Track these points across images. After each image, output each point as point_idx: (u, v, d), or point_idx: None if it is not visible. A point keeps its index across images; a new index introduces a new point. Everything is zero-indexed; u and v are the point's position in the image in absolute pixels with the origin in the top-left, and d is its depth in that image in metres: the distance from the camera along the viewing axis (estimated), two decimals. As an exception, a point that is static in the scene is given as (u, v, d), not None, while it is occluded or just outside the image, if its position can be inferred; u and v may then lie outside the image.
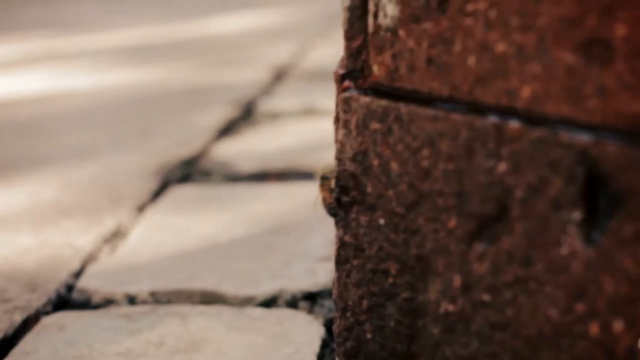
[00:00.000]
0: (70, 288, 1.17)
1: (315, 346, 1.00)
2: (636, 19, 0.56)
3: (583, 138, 0.59)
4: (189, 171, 1.63)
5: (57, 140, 1.86)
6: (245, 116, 2.01)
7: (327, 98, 2.05)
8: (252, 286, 1.15)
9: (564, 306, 0.62)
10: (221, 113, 2.01)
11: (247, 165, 1.64)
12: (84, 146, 1.80)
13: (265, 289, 1.14)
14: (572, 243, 0.61)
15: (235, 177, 1.60)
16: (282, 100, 2.15)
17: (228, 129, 1.90)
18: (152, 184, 1.55)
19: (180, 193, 1.52)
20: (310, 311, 1.09)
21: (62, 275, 1.20)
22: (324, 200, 0.76)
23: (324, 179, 0.76)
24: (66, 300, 1.15)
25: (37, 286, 1.17)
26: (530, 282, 0.64)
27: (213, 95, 2.18)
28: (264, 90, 2.21)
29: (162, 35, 2.97)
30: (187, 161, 1.67)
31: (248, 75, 2.36)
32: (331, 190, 0.75)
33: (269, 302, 1.12)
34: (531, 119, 0.62)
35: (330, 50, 2.57)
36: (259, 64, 2.45)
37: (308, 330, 1.04)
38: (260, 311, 1.10)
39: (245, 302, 1.13)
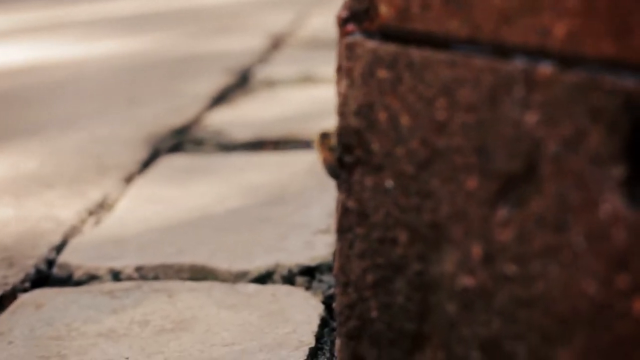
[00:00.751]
0: (50, 263, 1.09)
1: (313, 325, 0.92)
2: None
3: (629, 82, 0.51)
4: (180, 140, 1.54)
5: (42, 110, 1.77)
6: (240, 84, 1.92)
7: (325, 66, 1.96)
8: (246, 260, 1.07)
9: (603, 279, 0.53)
10: (215, 81, 1.92)
11: (242, 134, 1.55)
12: (70, 116, 1.71)
13: (259, 264, 1.06)
14: (614, 205, 0.52)
15: (229, 146, 1.51)
16: (279, 68, 2.06)
17: (222, 97, 1.81)
18: (141, 154, 1.46)
19: (170, 163, 1.44)
20: (308, 287, 1.01)
21: (42, 250, 1.12)
22: (324, 160, 0.67)
23: (324, 136, 0.67)
24: (46, 276, 1.07)
25: (14, 261, 1.09)
26: (564, 251, 0.55)
27: (208, 63, 2.09)
28: (260, 58, 2.13)
29: (156, 4, 2.88)
30: (178, 130, 1.59)
31: (244, 43, 2.27)
32: (332, 149, 0.67)
33: (264, 278, 1.04)
34: (567, 60, 0.53)
35: (328, 18, 2.49)
36: (256, 32, 2.36)
37: (306, 308, 0.96)
38: (254, 287, 1.02)
39: (238, 277, 1.05)
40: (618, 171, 0.52)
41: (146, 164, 1.43)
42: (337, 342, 0.70)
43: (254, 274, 1.05)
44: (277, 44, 2.32)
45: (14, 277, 1.05)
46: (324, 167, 0.68)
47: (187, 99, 1.78)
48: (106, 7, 2.90)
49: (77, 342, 0.91)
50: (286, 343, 0.89)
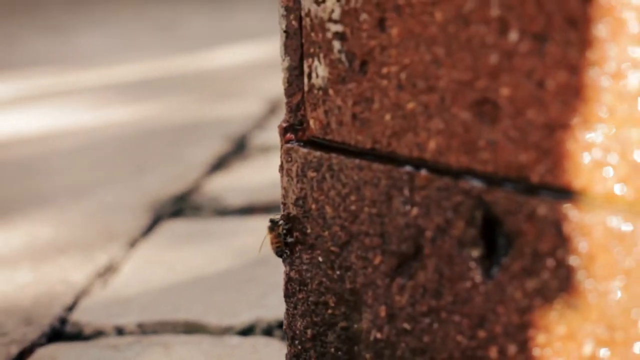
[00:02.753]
0: (63, 321, 1.26)
1: (284, 371, 1.08)
2: (517, 82, 0.65)
3: (479, 185, 0.68)
4: (180, 206, 1.72)
5: (53, 179, 1.96)
6: (237, 150, 2.10)
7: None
8: (232, 316, 1.24)
9: (469, 333, 0.70)
10: (214, 148, 2.10)
11: (236, 200, 1.73)
12: (80, 184, 1.89)
13: (243, 319, 1.23)
14: (474, 277, 0.70)
15: (224, 212, 1.68)
16: (274, 133, 2.23)
17: (220, 164, 1.99)
18: (144, 220, 1.64)
19: (171, 228, 1.61)
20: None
21: (56, 310, 1.29)
22: (271, 242, 0.84)
23: (273, 222, 0.85)
24: (60, 332, 1.24)
25: (32, 320, 1.26)
26: (441, 312, 0.72)
27: (207, 130, 2.27)
28: (257, 124, 2.30)
29: (159, 70, 3.06)
30: (179, 197, 1.76)
31: (242, 109, 2.45)
32: (279, 235, 0.84)
33: (247, 331, 1.21)
34: (437, 168, 0.71)
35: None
36: (254, 97, 2.54)
37: (279, 356, 1.13)
38: (237, 339, 1.19)
39: (225, 331, 1.22)
40: (476, 252, 0.70)
41: (149, 228, 1.61)
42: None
43: (239, 327, 1.22)
44: (273, 109, 2.50)
45: (32, 334, 1.22)
46: (272, 248, 0.86)
47: (187, 166, 1.96)
48: (114, 72, 3.09)
49: (85, 389, 1.08)
50: (261, 386, 1.06)
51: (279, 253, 0.84)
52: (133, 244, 1.54)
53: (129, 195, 1.79)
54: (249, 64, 3.09)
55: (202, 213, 1.69)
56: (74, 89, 2.87)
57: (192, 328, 1.23)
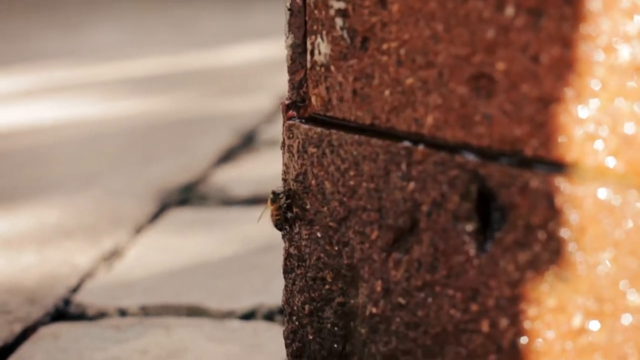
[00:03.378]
0: (67, 302, 1.28)
1: (284, 354, 1.09)
2: (512, 57, 0.66)
3: (474, 159, 0.69)
4: (187, 196, 1.73)
5: (62, 167, 1.97)
6: (245, 144, 2.11)
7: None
8: (234, 301, 1.25)
9: (462, 306, 0.71)
10: (222, 141, 2.11)
11: (243, 190, 1.74)
12: (88, 173, 1.91)
13: (245, 304, 1.24)
14: (468, 251, 0.71)
15: (230, 201, 1.70)
16: (283, 128, 2.25)
17: (228, 157, 2.00)
18: (151, 208, 1.66)
19: (177, 216, 1.63)
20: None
21: (60, 291, 1.30)
22: (272, 214, 0.85)
23: (275, 194, 0.86)
24: (63, 313, 1.25)
25: (36, 300, 1.27)
26: (436, 286, 0.73)
27: (217, 123, 2.29)
28: (266, 119, 2.32)
29: (173, 65, 3.08)
30: (186, 186, 1.78)
31: (252, 104, 2.46)
32: (279, 207, 0.85)
33: (248, 316, 1.22)
34: (434, 143, 0.72)
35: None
36: (264, 93, 2.55)
37: (279, 339, 1.13)
38: (238, 323, 1.20)
39: (226, 315, 1.23)
40: (471, 226, 0.70)
41: (155, 216, 1.62)
42: (285, 361, 0.88)
43: (240, 312, 1.23)
44: (283, 105, 2.51)
45: (35, 313, 1.23)
46: (272, 220, 0.87)
47: (196, 158, 1.98)
48: (126, 67, 3.11)
49: (87, 366, 1.09)
50: (260, 368, 1.07)
51: (279, 226, 0.85)
52: (139, 230, 1.55)
53: (137, 183, 1.80)
54: (261, 62, 3.11)
55: (208, 202, 1.70)
56: (85, 83, 2.89)
57: (194, 312, 1.24)
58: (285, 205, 0.84)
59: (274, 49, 3.20)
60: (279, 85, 2.75)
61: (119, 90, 2.77)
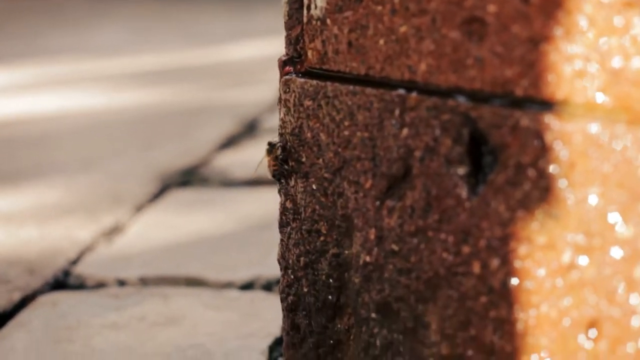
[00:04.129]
0: (66, 273, 1.29)
1: (280, 321, 1.10)
2: (504, -1, 0.67)
3: (466, 103, 0.70)
4: (188, 178, 1.74)
5: (65, 152, 1.99)
6: (247, 131, 2.12)
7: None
8: (233, 273, 1.27)
9: (453, 250, 0.72)
10: (224, 128, 2.12)
11: (244, 173, 1.75)
12: (90, 157, 1.92)
13: (243, 275, 1.25)
14: (460, 194, 0.71)
15: (230, 183, 1.71)
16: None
17: (230, 143, 2.01)
18: (152, 188, 1.67)
19: (178, 196, 1.64)
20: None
21: (60, 263, 1.31)
22: (269, 164, 0.86)
23: (271, 145, 0.87)
24: (63, 283, 1.26)
25: (36, 271, 1.29)
26: (428, 231, 0.74)
27: (219, 113, 2.30)
28: (268, 109, 2.33)
29: (176, 62, 3.10)
30: (187, 170, 1.79)
31: (254, 96, 2.47)
32: (276, 157, 0.86)
33: (246, 286, 1.23)
34: (427, 89, 0.73)
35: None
36: (267, 86, 2.56)
37: (276, 308, 1.14)
38: (236, 293, 1.21)
39: (224, 286, 1.24)
40: (462, 169, 0.71)
41: (156, 196, 1.63)
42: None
43: (238, 283, 1.24)
44: (285, 96, 2.52)
45: (34, 283, 1.25)
46: (269, 170, 0.88)
47: (197, 144, 1.99)
48: (130, 62, 3.13)
49: (85, 331, 1.10)
50: (257, 334, 1.08)
51: (276, 175, 0.86)
52: (139, 208, 1.57)
53: (138, 166, 1.82)
54: (262, 58, 3.12)
55: (209, 184, 1.71)
56: (90, 76, 2.90)
57: (192, 283, 1.25)
58: (281, 157, 0.85)
59: (274, 47, 3.21)
60: (281, 79, 2.76)
61: (123, 83, 2.78)
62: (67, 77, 2.90)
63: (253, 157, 1.88)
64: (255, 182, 1.70)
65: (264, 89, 2.57)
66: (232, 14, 4.63)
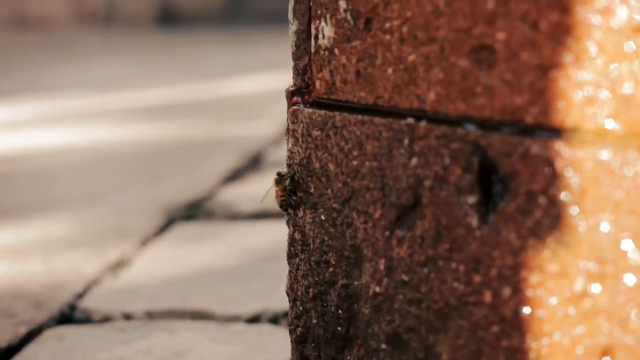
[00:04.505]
0: (73, 307, 1.28)
1: (288, 354, 1.09)
2: (512, 26, 0.67)
3: (475, 131, 0.70)
4: (193, 212, 1.74)
5: (70, 186, 1.99)
6: (252, 166, 2.12)
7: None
8: (239, 306, 1.26)
9: (465, 279, 0.72)
10: (229, 163, 2.12)
11: (249, 207, 1.75)
12: (95, 191, 1.92)
13: (250, 309, 1.25)
14: (470, 224, 0.71)
15: (236, 217, 1.70)
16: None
17: (234, 177, 2.01)
18: (157, 222, 1.66)
19: (183, 230, 1.63)
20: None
21: (66, 296, 1.31)
22: (277, 195, 0.86)
23: (280, 175, 0.86)
24: (69, 318, 1.26)
25: (42, 305, 1.28)
26: (439, 261, 0.73)
27: (224, 147, 2.30)
28: (272, 142, 2.33)
29: (181, 96, 3.11)
30: (192, 204, 1.79)
31: (258, 130, 2.48)
32: (284, 189, 0.86)
33: (253, 320, 1.22)
34: (436, 118, 0.73)
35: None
36: (271, 120, 2.57)
37: (284, 341, 1.14)
38: (243, 326, 1.20)
39: (231, 319, 1.23)
40: (473, 199, 0.71)
41: (162, 230, 1.63)
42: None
43: (245, 317, 1.23)
44: (290, 130, 2.53)
45: (40, 317, 1.24)
46: (277, 203, 0.87)
47: (202, 178, 1.99)
48: (135, 97, 3.14)
49: (92, 365, 1.09)
50: (265, 368, 1.08)
51: (284, 206, 0.85)
52: (145, 242, 1.56)
53: (143, 200, 1.81)
54: (266, 92, 3.13)
55: (214, 218, 1.71)
56: (96, 112, 2.91)
57: (198, 316, 1.24)
58: (289, 188, 0.85)
59: (278, 80, 3.22)
60: (284, 113, 2.77)
61: (128, 118, 2.79)
62: (71, 112, 2.91)
63: (258, 190, 1.87)
64: (260, 216, 1.70)
65: (268, 124, 2.57)
66: (236, 48, 4.65)
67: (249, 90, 3.25)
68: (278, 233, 1.57)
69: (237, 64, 3.98)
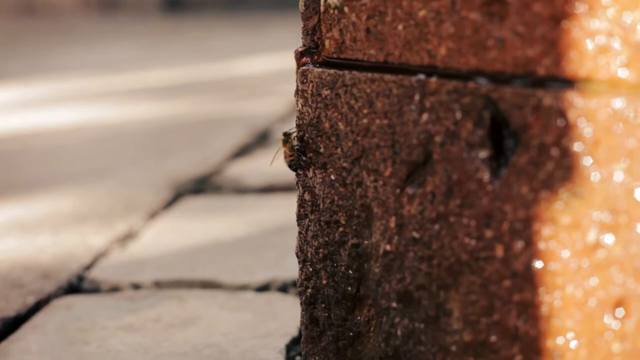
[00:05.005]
0: (81, 278, 1.28)
1: (297, 321, 1.09)
2: (524, -22, 0.66)
3: (487, 84, 0.69)
4: (201, 186, 1.74)
5: (79, 162, 1.99)
6: (259, 141, 2.12)
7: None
8: (248, 276, 1.26)
9: (476, 234, 0.71)
10: (237, 138, 2.12)
11: (256, 181, 1.74)
12: (104, 167, 1.92)
13: (259, 278, 1.24)
14: (482, 178, 0.71)
15: (244, 190, 1.70)
16: (297, 128, 2.26)
17: (242, 152, 2.01)
18: (165, 196, 1.66)
19: (191, 203, 1.63)
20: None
21: (74, 268, 1.31)
22: (285, 154, 0.86)
23: (286, 135, 0.86)
24: (77, 288, 1.26)
25: (50, 276, 1.28)
26: (450, 217, 0.73)
27: (231, 124, 2.30)
28: (279, 119, 2.33)
29: (189, 76, 3.11)
30: (200, 178, 1.78)
31: (266, 107, 2.47)
32: (292, 147, 0.85)
33: (262, 288, 1.22)
34: (447, 73, 0.72)
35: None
36: (278, 98, 2.56)
37: (293, 309, 1.14)
38: (252, 294, 1.20)
39: (240, 288, 1.23)
40: (484, 153, 0.70)
41: (169, 203, 1.63)
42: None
43: (254, 285, 1.23)
44: (297, 107, 2.52)
45: (48, 287, 1.24)
46: (285, 161, 0.87)
47: (210, 153, 1.99)
48: (144, 78, 3.13)
49: (100, 333, 1.09)
50: (274, 333, 1.07)
51: (293, 166, 0.85)
52: (153, 215, 1.56)
53: (152, 175, 1.81)
54: (272, 72, 3.13)
55: (222, 191, 1.71)
56: (105, 91, 2.91)
57: (207, 285, 1.24)
58: (297, 146, 0.85)
59: (284, 61, 3.22)
60: (291, 91, 2.77)
61: (137, 97, 2.79)
62: (80, 92, 2.90)
63: (265, 165, 1.87)
64: (268, 189, 1.70)
65: (275, 101, 2.57)
66: (243, 32, 4.64)
67: (256, 70, 3.25)
68: (285, 206, 1.57)
69: (244, 46, 3.98)
